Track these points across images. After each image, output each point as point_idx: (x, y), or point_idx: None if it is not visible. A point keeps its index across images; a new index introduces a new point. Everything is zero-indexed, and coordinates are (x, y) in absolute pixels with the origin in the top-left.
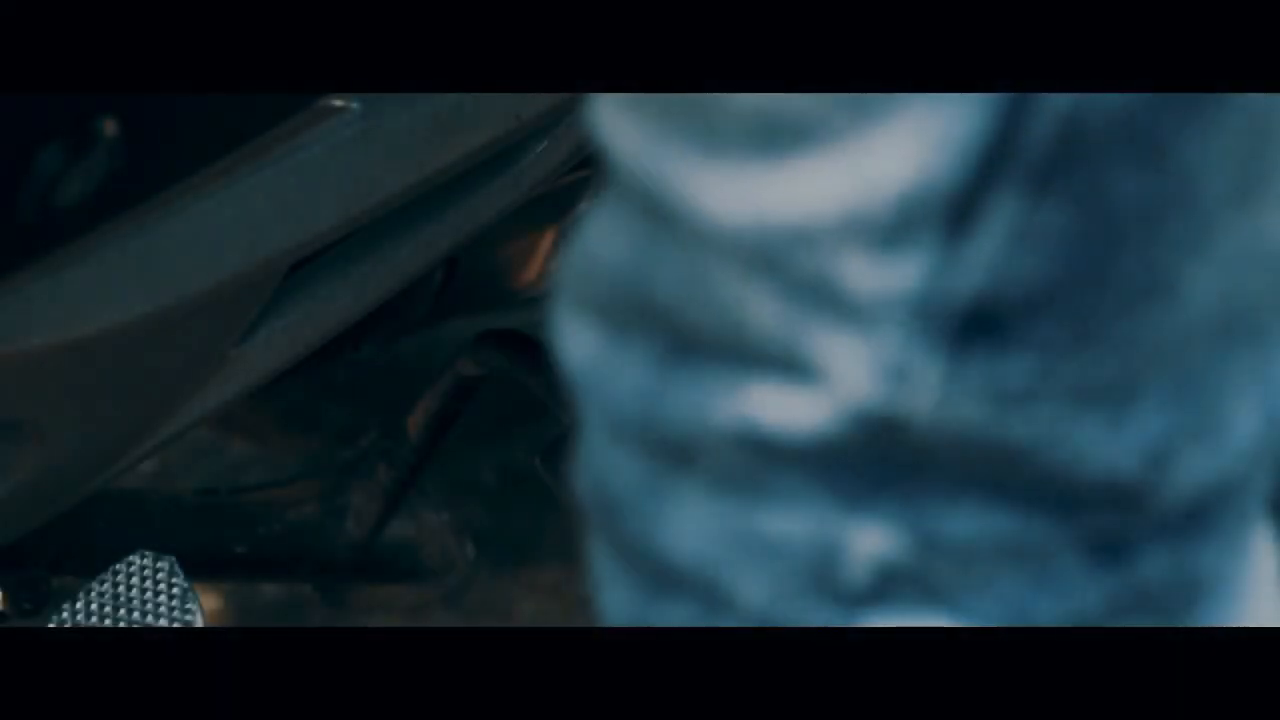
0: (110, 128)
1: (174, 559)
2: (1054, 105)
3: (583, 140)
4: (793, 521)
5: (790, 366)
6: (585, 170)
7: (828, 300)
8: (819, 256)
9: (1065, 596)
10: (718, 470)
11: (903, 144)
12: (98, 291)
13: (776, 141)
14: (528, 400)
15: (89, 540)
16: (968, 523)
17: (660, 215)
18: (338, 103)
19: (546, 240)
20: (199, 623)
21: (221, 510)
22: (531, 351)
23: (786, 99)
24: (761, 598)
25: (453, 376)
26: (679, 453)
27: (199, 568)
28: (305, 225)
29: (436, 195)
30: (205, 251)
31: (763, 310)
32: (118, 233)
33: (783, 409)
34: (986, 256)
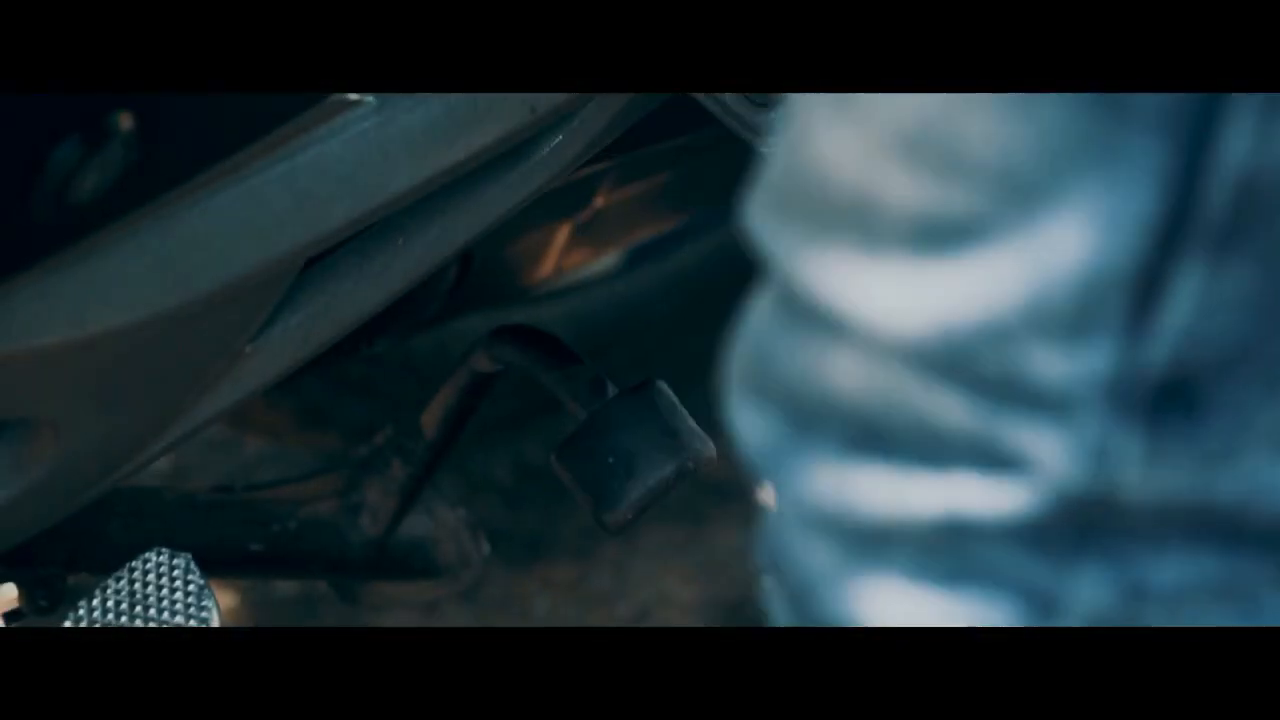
0: (125, 123)
1: (189, 556)
2: (1228, 169)
3: (597, 134)
4: (1000, 588)
5: (988, 458)
6: (600, 164)
7: (1020, 393)
8: (1006, 352)
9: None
10: (916, 553)
11: (1076, 229)
12: (112, 288)
13: (940, 240)
14: (542, 396)
15: (104, 538)
16: (1175, 570)
17: (821, 318)
18: (353, 98)
19: (561, 235)
20: (214, 620)
21: (237, 507)
22: (546, 347)
23: (943, 199)
24: None
25: (467, 372)
26: (873, 538)
27: (214, 565)
28: (320, 220)
29: (451, 190)
30: (220, 247)
31: (952, 408)
32: (133, 229)
33: (984, 497)
34: (1175, 327)
